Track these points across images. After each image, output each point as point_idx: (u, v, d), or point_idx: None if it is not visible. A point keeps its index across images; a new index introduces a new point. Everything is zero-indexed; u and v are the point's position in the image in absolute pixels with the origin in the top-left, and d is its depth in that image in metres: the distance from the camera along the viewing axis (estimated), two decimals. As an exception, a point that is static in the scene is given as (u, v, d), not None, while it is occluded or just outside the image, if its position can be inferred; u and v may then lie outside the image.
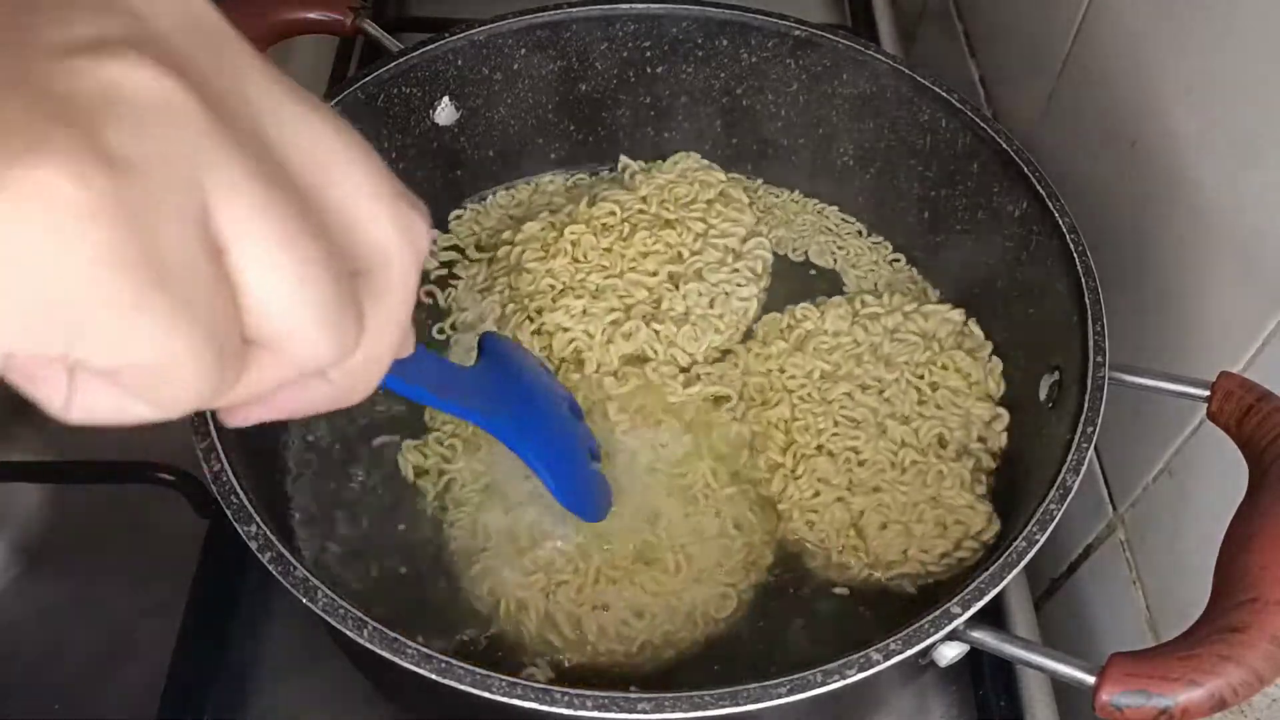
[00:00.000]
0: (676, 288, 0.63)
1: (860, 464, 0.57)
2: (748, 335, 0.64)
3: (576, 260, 0.63)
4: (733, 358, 0.63)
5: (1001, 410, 0.59)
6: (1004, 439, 0.58)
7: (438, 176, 0.68)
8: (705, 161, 0.70)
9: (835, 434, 0.58)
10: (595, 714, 0.39)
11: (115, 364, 0.20)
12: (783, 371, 0.61)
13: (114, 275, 0.19)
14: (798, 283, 0.68)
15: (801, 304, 0.64)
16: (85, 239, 0.19)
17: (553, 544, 0.55)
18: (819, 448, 0.58)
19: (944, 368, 0.60)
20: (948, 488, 0.56)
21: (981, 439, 0.58)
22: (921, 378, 0.60)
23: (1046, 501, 0.46)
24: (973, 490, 0.56)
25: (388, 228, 0.25)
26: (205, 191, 0.21)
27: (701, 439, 0.59)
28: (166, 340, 0.20)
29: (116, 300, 0.20)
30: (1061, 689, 0.57)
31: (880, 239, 0.70)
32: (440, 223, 0.70)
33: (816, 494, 0.56)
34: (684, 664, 0.54)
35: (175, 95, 0.21)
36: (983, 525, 0.55)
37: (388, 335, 0.26)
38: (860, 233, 0.71)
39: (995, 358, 0.61)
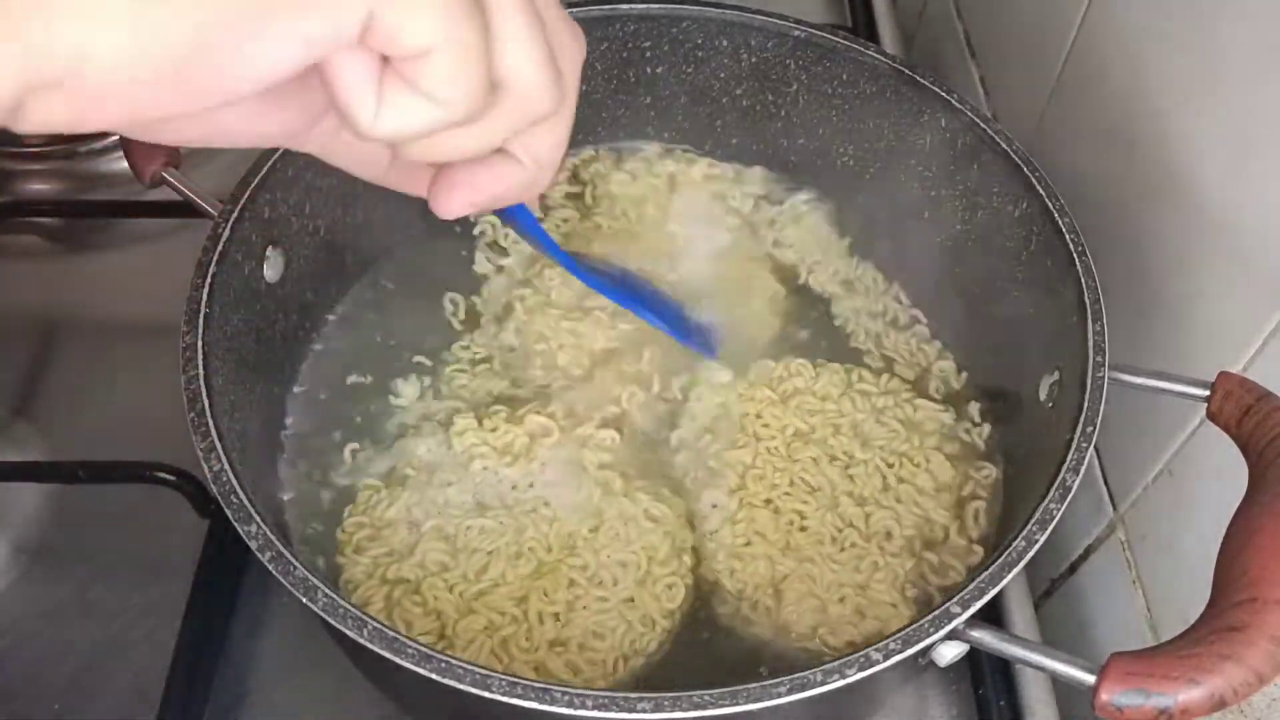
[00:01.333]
0: None
1: (802, 529, 0.56)
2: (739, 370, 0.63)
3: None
4: (717, 389, 0.62)
5: (978, 548, 0.57)
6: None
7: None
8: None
9: (788, 493, 0.57)
10: (595, 713, 0.39)
11: (427, 41, 0.25)
12: (759, 418, 0.60)
13: None
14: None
15: (799, 360, 0.63)
16: None
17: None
18: (767, 501, 0.57)
19: (916, 464, 0.59)
20: (878, 580, 0.55)
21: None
22: (891, 466, 0.58)
23: (1046, 501, 0.46)
24: (903, 592, 0.55)
25: (566, 26, 0.31)
26: None
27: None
28: (462, 25, 0.25)
29: None
30: (1061, 689, 0.58)
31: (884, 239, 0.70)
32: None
33: (748, 544, 0.56)
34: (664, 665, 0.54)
35: None
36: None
37: (565, 120, 0.32)
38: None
39: (979, 502, 0.58)
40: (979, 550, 0.56)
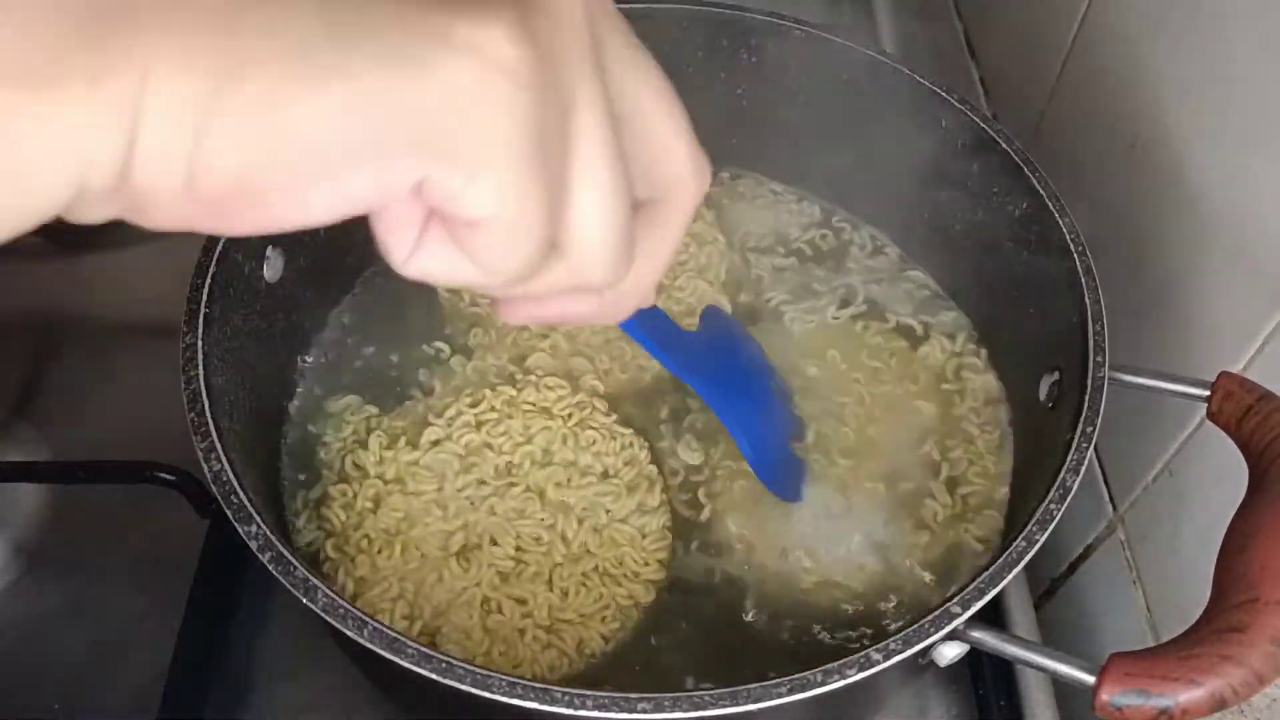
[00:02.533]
0: None
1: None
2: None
3: None
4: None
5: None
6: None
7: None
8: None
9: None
10: (595, 714, 0.39)
11: (485, 214, 0.23)
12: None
13: (513, 133, 0.23)
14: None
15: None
16: (503, 94, 0.23)
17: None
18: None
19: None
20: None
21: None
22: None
23: (1046, 501, 0.46)
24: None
25: (687, 163, 0.29)
26: (574, 97, 0.24)
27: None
28: (528, 204, 0.24)
29: (507, 154, 0.23)
30: (1061, 689, 0.58)
31: (885, 239, 0.70)
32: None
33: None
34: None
35: (578, 7, 0.25)
36: None
37: (657, 262, 0.30)
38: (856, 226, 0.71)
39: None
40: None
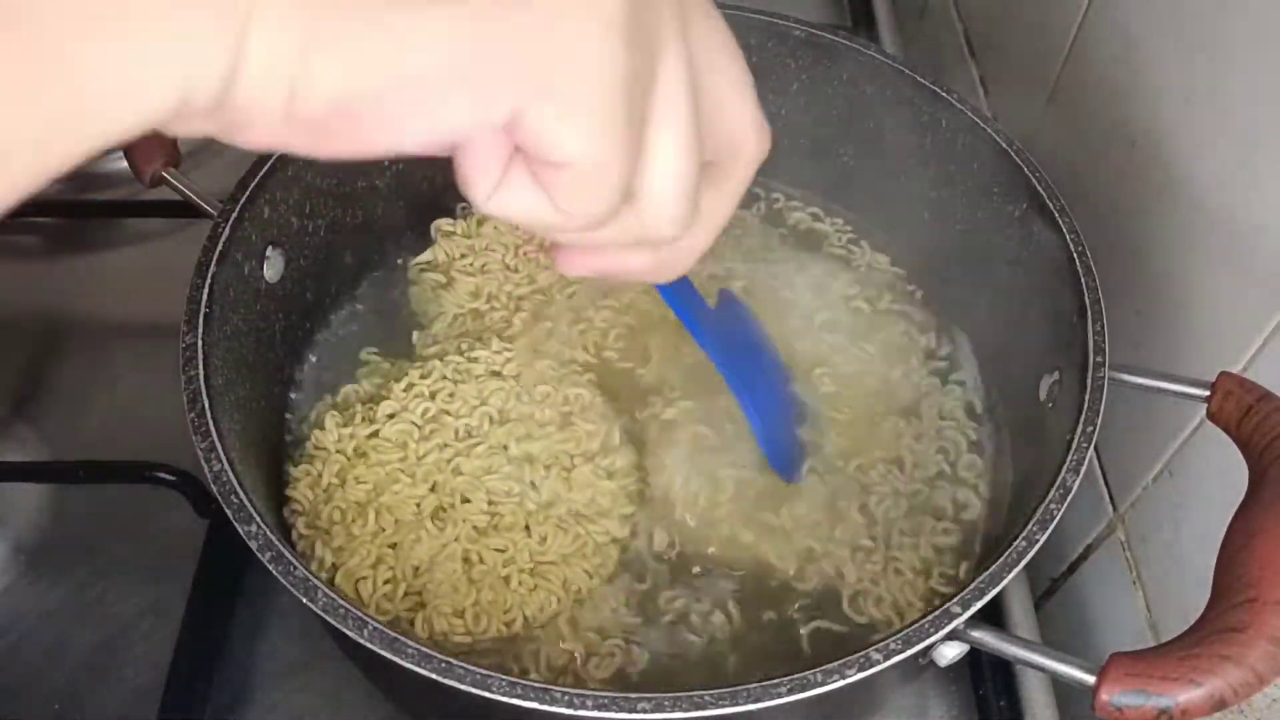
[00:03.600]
0: None
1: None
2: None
3: None
4: None
5: None
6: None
7: (437, 175, 0.68)
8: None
9: None
10: (595, 713, 0.39)
11: (572, 156, 0.24)
12: None
13: (607, 75, 0.23)
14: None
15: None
16: (602, 36, 0.23)
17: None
18: None
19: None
20: None
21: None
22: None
23: (1046, 501, 0.46)
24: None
25: (750, 122, 0.30)
26: (662, 48, 0.25)
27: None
28: (612, 150, 0.24)
29: (601, 95, 0.23)
30: (1061, 689, 0.58)
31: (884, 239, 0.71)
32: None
33: None
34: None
35: None
36: None
37: (713, 223, 0.31)
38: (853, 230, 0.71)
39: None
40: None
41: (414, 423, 0.57)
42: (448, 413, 0.58)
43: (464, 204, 0.69)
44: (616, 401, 0.61)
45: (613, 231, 0.27)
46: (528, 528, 0.55)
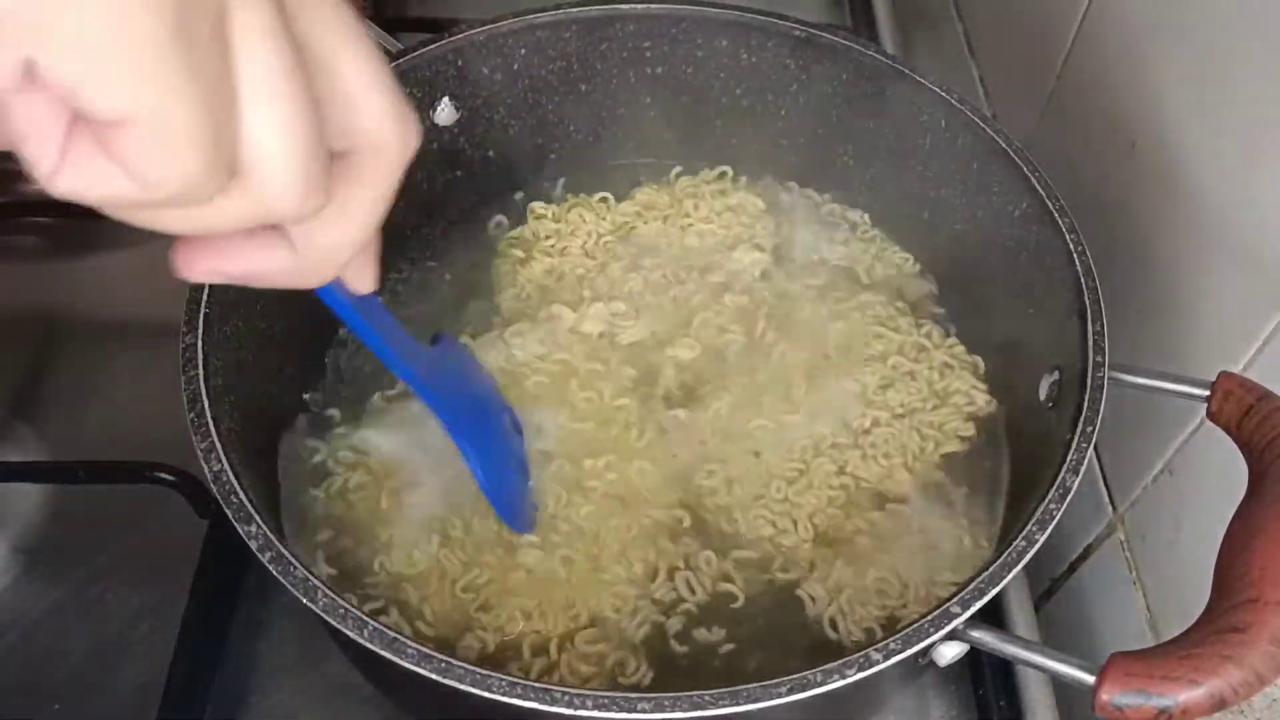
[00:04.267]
0: None
1: None
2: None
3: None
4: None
5: None
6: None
7: (437, 177, 0.69)
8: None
9: None
10: (595, 713, 0.39)
11: (121, 108, 0.21)
12: None
13: (135, 12, 0.20)
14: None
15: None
16: None
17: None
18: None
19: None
20: None
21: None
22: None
23: (1046, 501, 0.46)
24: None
25: (386, 118, 0.27)
26: (227, 8, 0.22)
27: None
28: (172, 98, 0.21)
29: (131, 36, 0.20)
30: (1061, 689, 0.57)
31: (881, 233, 0.71)
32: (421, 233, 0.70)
33: None
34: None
35: None
36: None
37: (356, 221, 0.28)
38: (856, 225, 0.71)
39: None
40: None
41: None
42: None
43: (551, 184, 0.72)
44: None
45: (226, 215, 0.24)
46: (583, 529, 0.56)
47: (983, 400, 0.61)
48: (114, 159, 0.22)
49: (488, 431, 0.53)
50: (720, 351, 0.64)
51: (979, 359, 0.63)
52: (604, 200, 0.71)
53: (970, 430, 0.60)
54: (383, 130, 0.27)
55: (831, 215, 0.71)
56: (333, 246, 0.28)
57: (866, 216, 0.71)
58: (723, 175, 0.72)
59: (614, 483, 0.58)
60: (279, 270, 0.28)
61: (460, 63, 0.65)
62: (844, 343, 0.63)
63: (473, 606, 0.54)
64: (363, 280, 0.32)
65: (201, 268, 0.28)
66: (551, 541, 0.56)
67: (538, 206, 0.70)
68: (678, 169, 0.72)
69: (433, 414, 0.48)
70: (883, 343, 0.63)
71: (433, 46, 0.63)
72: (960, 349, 0.64)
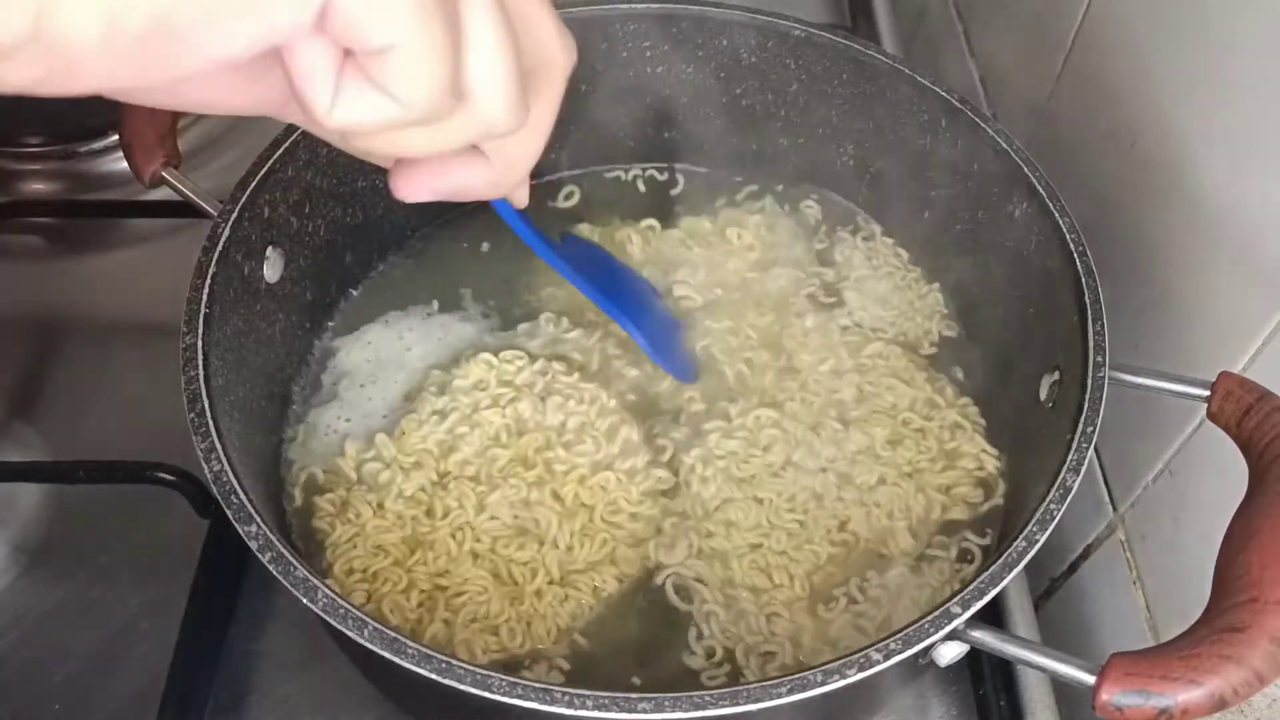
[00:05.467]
0: None
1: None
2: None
3: None
4: None
5: None
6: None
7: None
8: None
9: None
10: (595, 714, 0.39)
11: (390, 38, 0.25)
12: None
13: None
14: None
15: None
16: None
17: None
18: None
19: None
20: None
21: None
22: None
23: (1046, 501, 0.46)
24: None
25: (556, 34, 0.32)
26: None
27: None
28: (425, 28, 0.25)
29: None
30: (1061, 689, 0.58)
31: (884, 236, 0.70)
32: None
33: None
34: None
35: None
36: None
37: (539, 130, 0.32)
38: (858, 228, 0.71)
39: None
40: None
41: (435, 443, 0.58)
42: (469, 427, 0.59)
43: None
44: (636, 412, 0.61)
45: (452, 133, 0.28)
46: (555, 540, 0.55)
47: (991, 465, 0.59)
48: (377, 85, 0.26)
49: (633, 300, 0.61)
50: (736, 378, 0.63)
51: (983, 422, 0.61)
52: (650, 228, 0.70)
53: (979, 496, 0.58)
54: (554, 47, 0.32)
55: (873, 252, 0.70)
56: (522, 156, 0.33)
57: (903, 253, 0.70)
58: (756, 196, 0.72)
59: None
60: (480, 183, 0.33)
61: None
62: (855, 394, 0.62)
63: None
64: (522, 196, 0.39)
65: (421, 187, 0.32)
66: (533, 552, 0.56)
67: (584, 228, 0.69)
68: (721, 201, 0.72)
69: (584, 294, 0.57)
70: (894, 394, 0.61)
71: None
72: (973, 409, 0.62)
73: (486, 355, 0.61)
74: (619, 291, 0.60)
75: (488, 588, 0.54)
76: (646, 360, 0.62)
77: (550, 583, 0.54)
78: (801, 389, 0.62)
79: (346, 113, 0.26)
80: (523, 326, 0.65)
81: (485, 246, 0.69)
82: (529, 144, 0.33)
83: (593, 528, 0.56)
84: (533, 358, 0.62)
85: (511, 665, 0.53)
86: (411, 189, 0.32)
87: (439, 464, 0.57)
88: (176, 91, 0.29)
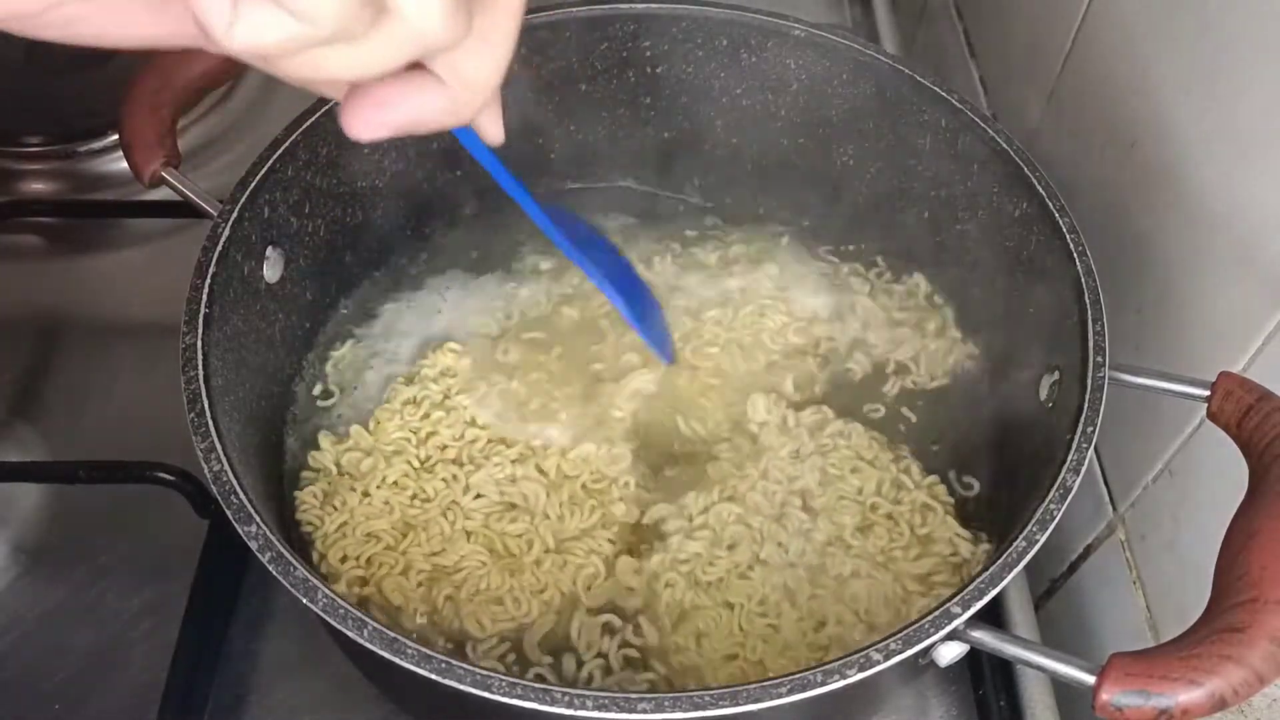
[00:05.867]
0: None
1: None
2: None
3: None
4: None
5: None
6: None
7: (437, 176, 0.69)
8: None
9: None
10: (595, 714, 0.39)
11: None
12: None
13: None
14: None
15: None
16: None
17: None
18: None
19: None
20: None
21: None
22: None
23: (1046, 501, 0.46)
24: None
25: None
26: None
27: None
28: None
29: None
30: (1061, 689, 0.57)
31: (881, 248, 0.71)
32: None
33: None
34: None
35: None
36: None
37: (497, 47, 0.29)
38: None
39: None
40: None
41: (411, 430, 0.59)
42: (444, 412, 0.60)
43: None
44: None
45: (381, 50, 0.26)
46: (546, 511, 0.57)
47: (966, 550, 0.56)
48: (276, 3, 0.23)
49: (620, 275, 0.58)
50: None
51: (952, 500, 0.59)
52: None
53: (957, 581, 0.55)
54: None
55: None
56: (480, 77, 0.29)
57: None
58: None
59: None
60: (437, 110, 0.29)
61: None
62: (819, 478, 0.58)
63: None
64: (495, 131, 0.34)
65: (369, 121, 0.29)
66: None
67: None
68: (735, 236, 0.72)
69: (573, 262, 0.52)
70: (859, 478, 0.58)
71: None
72: (940, 488, 0.59)
73: (452, 344, 0.63)
74: (602, 262, 0.56)
75: (485, 562, 0.55)
76: None
77: (547, 551, 0.56)
78: (762, 477, 0.58)
79: (247, 33, 0.24)
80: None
81: (474, 255, 0.70)
82: (485, 58, 0.29)
83: (580, 496, 0.57)
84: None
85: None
86: (360, 124, 0.29)
87: (419, 450, 0.58)
88: (75, 21, 0.27)
